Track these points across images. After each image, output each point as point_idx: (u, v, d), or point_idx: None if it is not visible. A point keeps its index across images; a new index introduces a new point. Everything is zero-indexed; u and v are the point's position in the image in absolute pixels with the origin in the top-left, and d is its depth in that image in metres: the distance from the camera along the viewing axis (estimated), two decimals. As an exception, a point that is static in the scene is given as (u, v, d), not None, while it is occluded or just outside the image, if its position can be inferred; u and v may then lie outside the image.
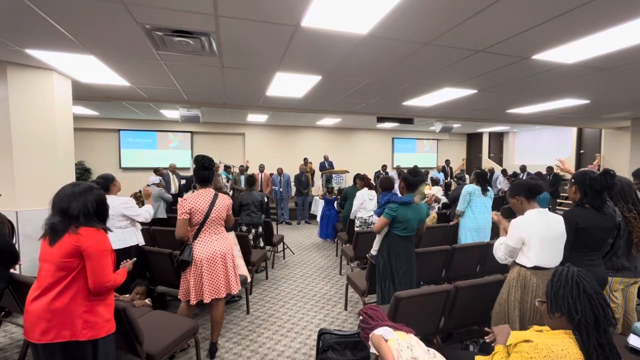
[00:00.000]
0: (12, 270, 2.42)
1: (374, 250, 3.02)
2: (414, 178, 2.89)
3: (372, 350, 1.73)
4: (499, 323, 2.12)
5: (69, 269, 1.56)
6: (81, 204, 1.60)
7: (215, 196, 2.62)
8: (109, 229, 1.73)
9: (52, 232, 1.58)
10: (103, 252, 1.63)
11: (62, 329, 1.55)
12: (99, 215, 1.68)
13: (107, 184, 3.10)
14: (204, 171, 2.60)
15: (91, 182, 3.13)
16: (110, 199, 3.09)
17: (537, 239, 2.03)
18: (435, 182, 6.68)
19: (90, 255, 1.58)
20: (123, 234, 3.09)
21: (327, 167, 9.68)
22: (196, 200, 2.55)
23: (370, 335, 1.77)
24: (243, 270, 3.80)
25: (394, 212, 2.79)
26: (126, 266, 2.01)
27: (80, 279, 1.59)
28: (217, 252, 2.61)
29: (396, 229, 2.82)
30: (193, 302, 2.56)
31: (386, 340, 1.68)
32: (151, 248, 3.36)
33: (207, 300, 2.55)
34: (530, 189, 2.14)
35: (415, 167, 3.02)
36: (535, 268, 2.04)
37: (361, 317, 1.95)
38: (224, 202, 2.67)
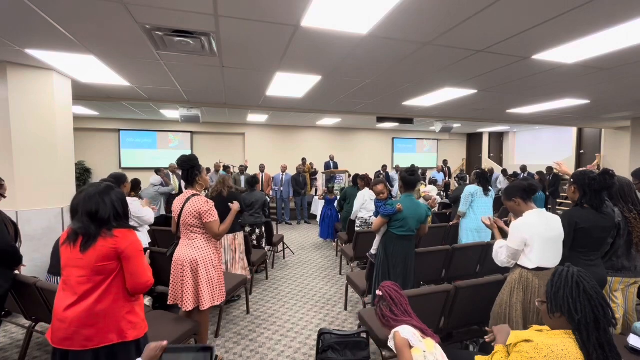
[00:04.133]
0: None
1: (373, 250, 3.02)
2: (411, 177, 2.89)
3: (391, 344, 1.67)
4: (498, 324, 2.12)
5: (108, 272, 1.54)
6: (110, 206, 1.57)
7: (188, 199, 2.46)
8: (137, 228, 1.72)
9: (85, 238, 1.53)
10: (140, 252, 1.62)
11: (107, 332, 1.53)
12: (125, 215, 1.66)
13: (119, 184, 3.07)
14: (183, 172, 2.54)
15: (102, 180, 3.14)
16: None
17: (538, 239, 2.03)
18: (432, 182, 6.67)
19: (129, 257, 1.56)
20: None
21: (332, 167, 9.67)
22: (176, 201, 2.55)
23: (393, 332, 1.68)
24: (242, 271, 3.80)
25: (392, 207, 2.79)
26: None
27: (120, 280, 1.58)
28: (179, 258, 2.49)
29: (394, 227, 2.82)
30: (170, 302, 2.54)
31: (410, 347, 1.58)
32: (151, 248, 3.35)
33: (170, 302, 2.53)
34: (526, 189, 2.15)
35: (412, 165, 3.03)
36: (537, 269, 2.04)
37: (380, 293, 1.84)
38: (193, 207, 2.43)
